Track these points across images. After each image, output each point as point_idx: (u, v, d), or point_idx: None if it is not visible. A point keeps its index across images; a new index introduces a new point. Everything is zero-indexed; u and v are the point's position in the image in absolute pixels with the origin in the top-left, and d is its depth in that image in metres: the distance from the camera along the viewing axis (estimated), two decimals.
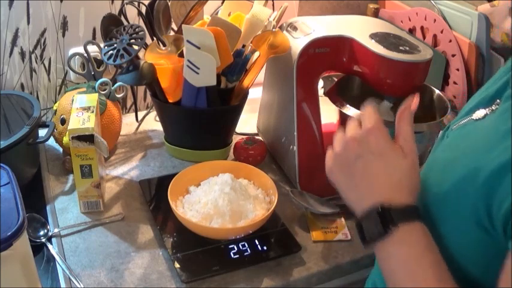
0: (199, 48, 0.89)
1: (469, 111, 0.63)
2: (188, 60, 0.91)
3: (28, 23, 1.07)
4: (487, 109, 0.60)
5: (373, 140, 0.60)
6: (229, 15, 1.02)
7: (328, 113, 1.02)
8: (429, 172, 0.63)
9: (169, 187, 0.85)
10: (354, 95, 1.00)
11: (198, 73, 0.92)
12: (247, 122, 1.21)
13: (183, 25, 0.90)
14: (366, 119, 0.62)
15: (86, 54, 1.08)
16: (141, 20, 0.99)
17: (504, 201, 0.48)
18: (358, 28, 0.93)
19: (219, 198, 0.82)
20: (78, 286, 0.74)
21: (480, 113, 0.60)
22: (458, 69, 1.10)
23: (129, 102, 1.27)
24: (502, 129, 0.52)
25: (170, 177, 0.89)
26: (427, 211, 0.59)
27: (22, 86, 1.13)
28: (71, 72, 1.13)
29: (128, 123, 1.19)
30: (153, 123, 1.21)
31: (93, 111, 0.88)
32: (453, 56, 1.11)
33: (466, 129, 0.62)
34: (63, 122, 0.99)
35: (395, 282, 0.56)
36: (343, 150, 0.62)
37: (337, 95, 0.94)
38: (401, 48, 0.85)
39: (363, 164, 0.60)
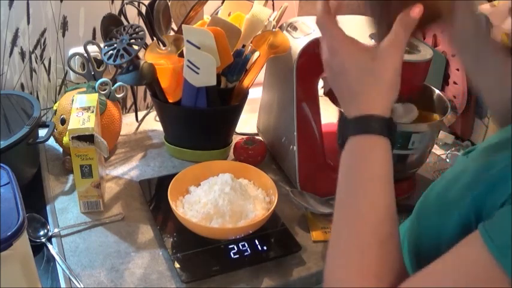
0: (199, 48, 0.89)
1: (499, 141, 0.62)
2: (188, 60, 0.91)
3: (28, 23, 1.07)
4: None
5: (336, 62, 0.60)
6: (229, 15, 1.02)
7: (328, 113, 1.02)
8: (441, 184, 0.62)
9: (169, 187, 0.85)
10: None
11: (198, 73, 0.92)
12: (247, 122, 1.21)
13: (183, 25, 0.90)
14: (326, 39, 0.62)
15: (86, 54, 1.08)
16: (141, 20, 0.99)
17: (502, 195, 0.48)
18: (358, 28, 0.93)
19: (219, 198, 0.82)
20: (78, 286, 0.74)
21: None
22: (458, 69, 1.10)
23: (129, 102, 1.27)
24: (503, 155, 0.52)
25: (170, 177, 0.89)
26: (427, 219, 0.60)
27: (22, 86, 1.14)
28: (71, 72, 1.13)
29: (128, 123, 1.19)
30: (153, 123, 1.21)
31: (93, 111, 0.88)
32: (453, 56, 1.11)
33: (483, 150, 0.61)
34: (63, 122, 0.99)
35: (338, 197, 0.56)
36: (324, 69, 0.64)
37: None
38: None
39: (334, 83, 0.62)
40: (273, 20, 1.00)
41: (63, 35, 1.12)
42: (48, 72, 1.15)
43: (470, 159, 0.60)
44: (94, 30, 1.14)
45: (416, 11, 0.56)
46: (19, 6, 1.04)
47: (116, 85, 1.06)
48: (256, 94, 1.12)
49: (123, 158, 1.07)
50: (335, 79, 0.61)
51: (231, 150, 1.08)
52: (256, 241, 0.82)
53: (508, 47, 1.04)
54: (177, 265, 0.78)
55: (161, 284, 0.76)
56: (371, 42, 0.86)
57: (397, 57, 0.57)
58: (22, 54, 1.10)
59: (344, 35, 0.59)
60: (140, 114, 1.21)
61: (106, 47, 0.94)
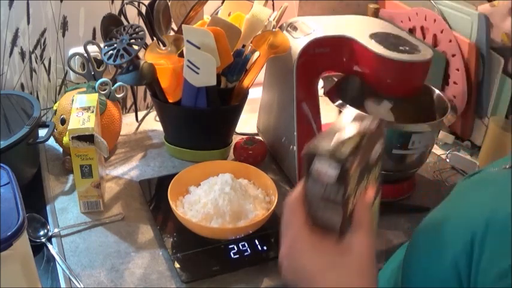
0: (199, 48, 0.89)
1: None
2: (188, 60, 0.91)
3: (28, 23, 1.07)
4: None
5: (301, 264, 0.52)
6: (229, 15, 1.02)
7: (328, 113, 1.02)
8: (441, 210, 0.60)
9: (169, 187, 0.85)
10: (354, 95, 1.00)
11: (198, 73, 0.92)
12: (247, 122, 1.21)
13: (183, 25, 0.90)
14: (287, 228, 0.54)
15: (86, 54, 1.08)
16: (141, 20, 0.99)
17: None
18: (358, 28, 0.93)
19: (219, 198, 0.82)
20: (78, 286, 0.74)
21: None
22: (458, 69, 1.10)
23: (129, 102, 1.27)
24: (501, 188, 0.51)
25: (170, 177, 0.89)
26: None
27: (22, 86, 1.14)
28: (71, 72, 1.13)
29: (128, 123, 1.19)
30: (153, 123, 1.21)
31: (93, 111, 0.88)
32: (453, 56, 1.11)
33: (481, 176, 0.59)
34: (63, 122, 0.99)
35: None
36: (285, 272, 0.55)
37: (337, 95, 0.94)
38: (401, 48, 0.85)
39: (295, 283, 0.54)
40: (273, 20, 1.00)
41: (63, 35, 1.12)
42: (48, 72, 1.15)
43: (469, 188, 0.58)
44: (94, 30, 1.14)
45: (370, 194, 0.55)
46: (19, 6, 1.04)
47: (116, 85, 1.06)
48: (256, 94, 1.12)
49: (123, 158, 1.07)
50: (303, 284, 0.52)
51: (231, 150, 1.08)
52: (256, 241, 0.82)
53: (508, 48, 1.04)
54: (177, 265, 0.78)
55: (161, 284, 0.76)
56: (371, 42, 0.86)
57: (368, 238, 0.52)
58: (22, 54, 1.10)
59: (310, 230, 0.53)
60: (140, 114, 1.21)
61: (106, 47, 0.94)
